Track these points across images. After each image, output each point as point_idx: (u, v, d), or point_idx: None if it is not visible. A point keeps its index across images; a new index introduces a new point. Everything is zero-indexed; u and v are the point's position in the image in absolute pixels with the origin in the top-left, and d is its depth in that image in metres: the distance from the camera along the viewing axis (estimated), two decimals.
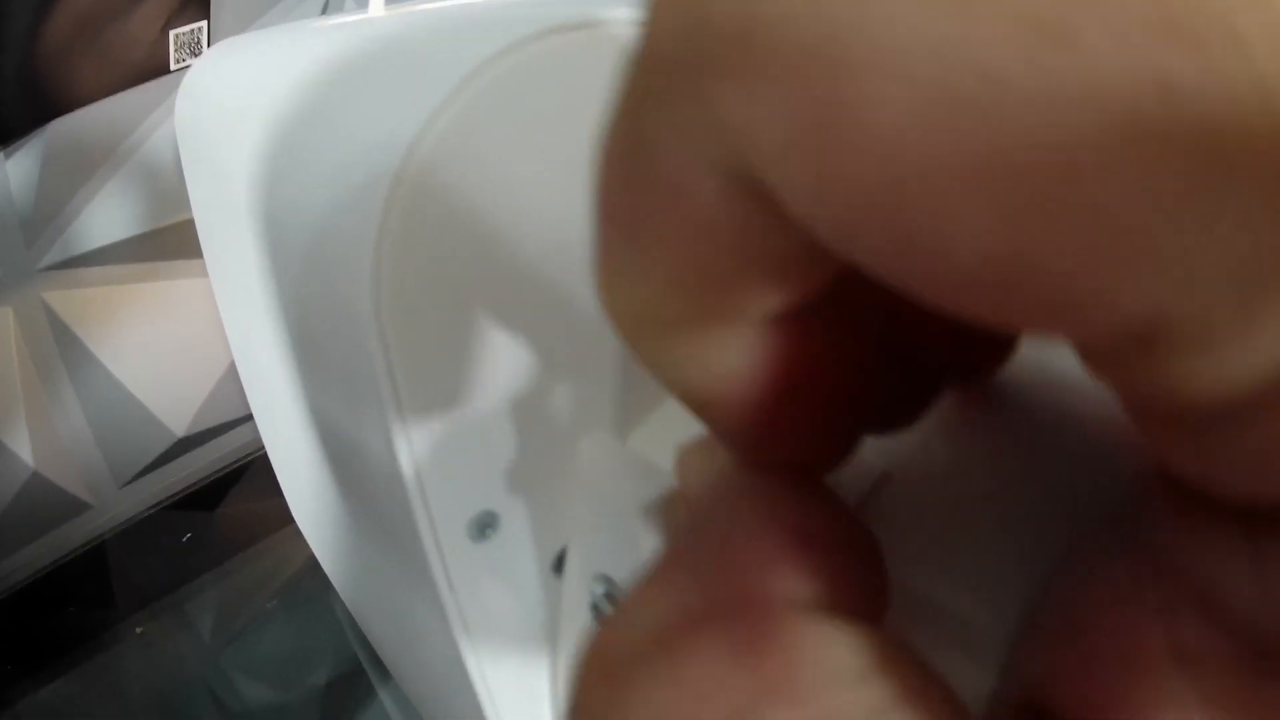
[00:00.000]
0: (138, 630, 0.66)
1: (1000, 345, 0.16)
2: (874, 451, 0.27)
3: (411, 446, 0.28)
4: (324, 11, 0.73)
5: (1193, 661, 0.11)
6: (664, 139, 0.10)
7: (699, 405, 0.13)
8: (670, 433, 0.32)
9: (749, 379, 0.12)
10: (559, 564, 0.32)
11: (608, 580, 0.27)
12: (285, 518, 0.55)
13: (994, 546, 0.20)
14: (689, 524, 0.14)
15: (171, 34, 0.66)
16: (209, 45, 0.68)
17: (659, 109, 0.10)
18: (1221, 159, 0.07)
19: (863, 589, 0.13)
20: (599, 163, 0.11)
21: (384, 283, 0.26)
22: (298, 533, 0.55)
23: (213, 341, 0.73)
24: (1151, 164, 0.07)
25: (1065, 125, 0.08)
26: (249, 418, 0.76)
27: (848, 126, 0.08)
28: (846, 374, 0.13)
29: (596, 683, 0.12)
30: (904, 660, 0.11)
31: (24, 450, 0.66)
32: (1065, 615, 0.12)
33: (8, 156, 0.62)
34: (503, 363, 0.29)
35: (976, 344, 0.16)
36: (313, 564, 0.55)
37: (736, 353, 0.12)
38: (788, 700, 0.10)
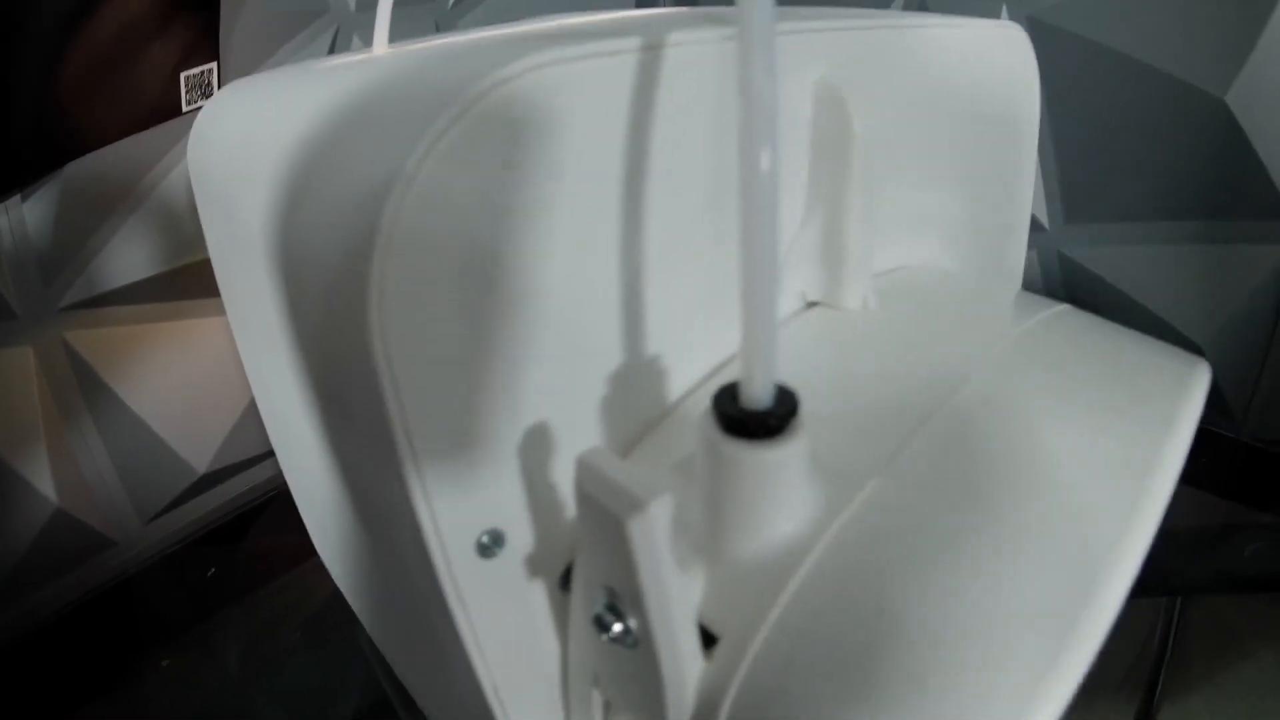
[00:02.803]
0: (164, 663, 0.67)
1: None
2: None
3: (420, 473, 0.29)
4: (331, 52, 0.73)
5: None
6: None
7: None
8: (668, 448, 0.33)
9: None
10: (566, 580, 0.32)
11: (610, 591, 0.28)
12: (308, 551, 0.56)
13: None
14: None
15: (183, 76, 0.67)
16: (219, 86, 0.69)
17: None
18: None
19: None
20: None
21: (388, 322, 0.26)
22: (321, 566, 0.55)
23: (232, 379, 0.74)
24: None
25: None
26: (270, 454, 0.77)
27: None
28: None
29: None
30: None
31: (47, 487, 0.67)
32: None
33: (25, 199, 0.63)
34: (504, 388, 0.30)
35: None
36: (336, 596, 0.56)
37: None
38: None
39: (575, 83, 0.28)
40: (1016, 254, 0.50)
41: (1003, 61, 0.44)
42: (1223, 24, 0.62)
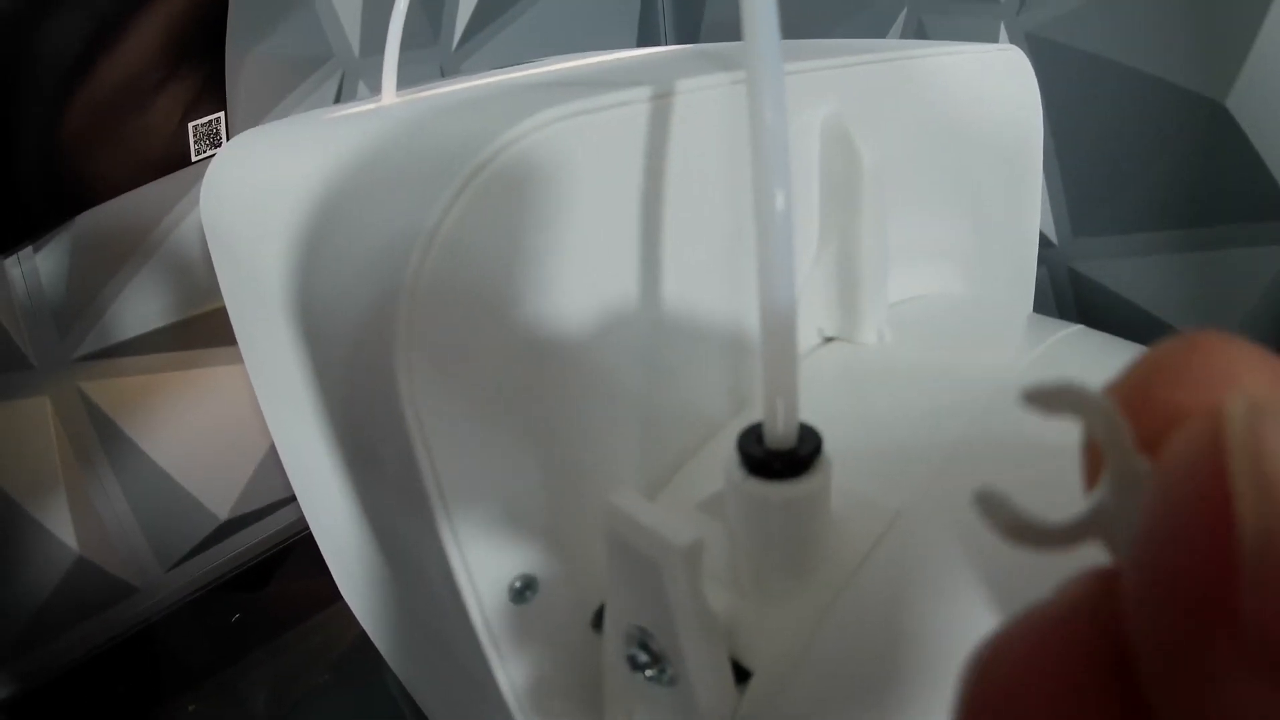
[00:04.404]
0: (190, 709, 0.67)
1: None
2: (886, 491, 0.28)
3: (452, 522, 0.29)
4: (337, 100, 0.74)
5: None
6: None
7: None
8: (695, 488, 0.33)
9: None
10: (598, 620, 0.33)
11: (642, 631, 0.28)
12: (333, 595, 0.56)
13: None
14: None
15: (190, 125, 0.68)
16: (227, 135, 0.69)
17: None
18: None
19: None
20: None
21: (415, 372, 0.27)
22: (346, 609, 0.56)
23: (251, 426, 0.75)
24: None
25: None
26: (292, 499, 0.77)
27: None
28: None
29: None
30: None
31: (67, 535, 0.67)
32: None
33: (37, 250, 0.63)
34: (531, 435, 0.30)
35: None
36: (363, 639, 0.56)
37: None
38: None
39: (587, 136, 0.28)
40: (1027, 274, 0.51)
41: (1005, 85, 0.44)
42: (1218, 27, 0.62)
